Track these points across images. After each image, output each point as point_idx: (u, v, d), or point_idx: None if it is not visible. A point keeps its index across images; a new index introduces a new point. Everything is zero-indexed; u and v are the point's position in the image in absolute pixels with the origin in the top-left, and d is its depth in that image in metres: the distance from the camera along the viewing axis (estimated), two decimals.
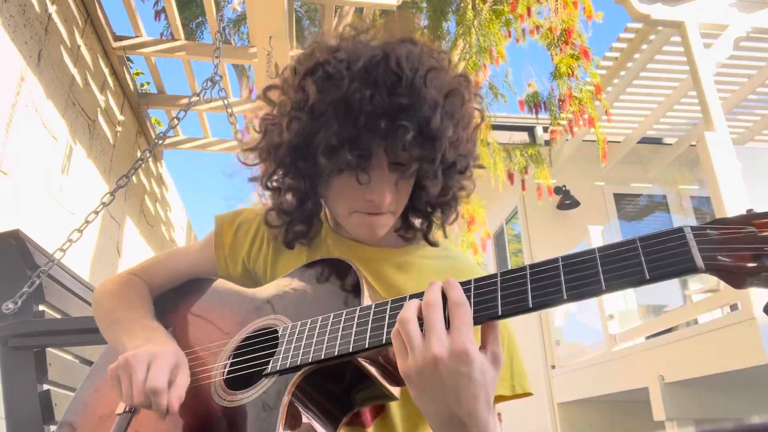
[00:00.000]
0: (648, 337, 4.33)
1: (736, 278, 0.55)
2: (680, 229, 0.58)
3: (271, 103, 0.90)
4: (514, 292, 0.62)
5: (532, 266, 0.63)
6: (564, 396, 5.29)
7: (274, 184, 0.90)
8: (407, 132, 0.75)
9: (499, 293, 0.63)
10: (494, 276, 0.65)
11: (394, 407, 0.85)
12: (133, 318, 0.91)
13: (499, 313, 0.61)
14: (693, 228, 0.58)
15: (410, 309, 0.63)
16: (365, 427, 0.82)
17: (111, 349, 0.99)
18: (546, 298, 0.60)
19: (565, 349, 5.66)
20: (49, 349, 1.34)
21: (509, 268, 0.66)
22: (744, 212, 0.58)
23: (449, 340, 0.59)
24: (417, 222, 0.95)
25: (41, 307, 1.43)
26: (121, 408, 0.82)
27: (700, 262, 0.55)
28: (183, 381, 0.77)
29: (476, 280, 0.66)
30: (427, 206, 0.93)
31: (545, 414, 5.42)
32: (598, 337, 4.91)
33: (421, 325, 0.62)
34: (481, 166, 0.95)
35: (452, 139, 0.82)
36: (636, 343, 4.34)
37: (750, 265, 0.54)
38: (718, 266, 0.55)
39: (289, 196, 0.90)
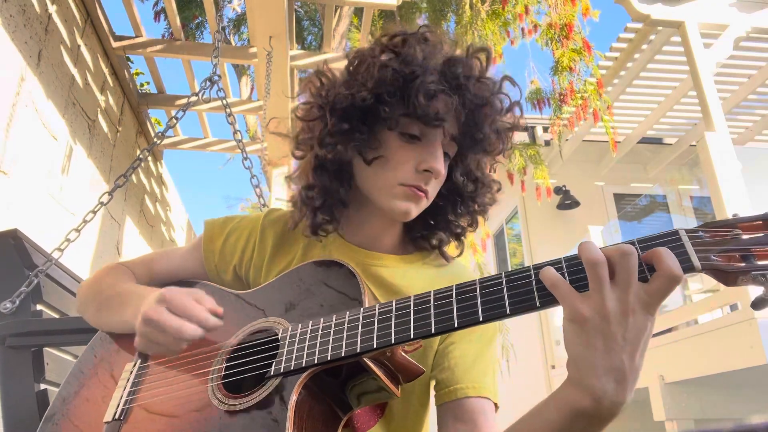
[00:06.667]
0: None
1: (728, 277, 0.58)
2: (675, 232, 0.61)
3: (327, 76, 0.90)
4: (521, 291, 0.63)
5: (535, 266, 0.64)
6: None
7: (331, 139, 0.85)
8: (503, 102, 0.86)
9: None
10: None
11: (400, 415, 0.85)
12: (122, 291, 0.91)
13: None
14: (686, 230, 0.61)
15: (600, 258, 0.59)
16: None
17: (92, 348, 0.97)
18: (549, 298, 0.61)
19: None
20: (46, 349, 1.34)
21: (509, 267, 0.66)
22: (730, 216, 0.63)
23: (646, 296, 0.58)
24: (425, 234, 0.96)
25: (39, 307, 1.43)
26: (109, 416, 0.80)
27: (696, 262, 0.58)
28: (198, 293, 0.80)
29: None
30: (453, 210, 0.94)
31: None
32: None
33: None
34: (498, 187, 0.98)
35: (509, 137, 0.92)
36: None
37: (739, 264, 0.58)
38: (712, 266, 0.58)
39: (326, 176, 0.88)
